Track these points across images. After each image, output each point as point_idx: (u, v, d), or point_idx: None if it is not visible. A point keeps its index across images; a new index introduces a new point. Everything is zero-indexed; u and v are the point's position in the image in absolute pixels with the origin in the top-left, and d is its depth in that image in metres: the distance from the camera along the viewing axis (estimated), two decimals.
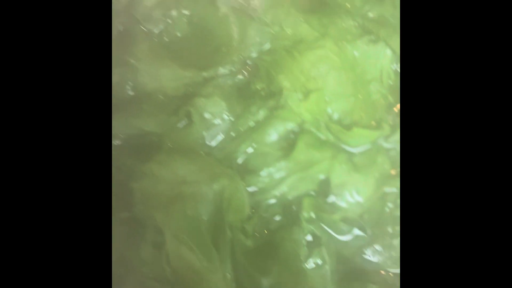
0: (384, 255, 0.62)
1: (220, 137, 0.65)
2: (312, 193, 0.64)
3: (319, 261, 0.60)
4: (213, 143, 0.65)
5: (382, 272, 0.63)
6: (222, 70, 0.67)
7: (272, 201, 0.63)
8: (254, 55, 0.68)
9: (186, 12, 0.69)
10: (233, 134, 0.65)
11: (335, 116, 0.66)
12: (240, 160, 0.65)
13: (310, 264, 0.59)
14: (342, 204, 0.63)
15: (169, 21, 0.69)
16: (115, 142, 0.63)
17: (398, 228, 0.63)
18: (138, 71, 0.64)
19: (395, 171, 0.66)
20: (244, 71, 0.68)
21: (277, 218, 0.63)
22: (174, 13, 0.69)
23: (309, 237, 0.61)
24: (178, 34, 0.69)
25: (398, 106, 0.69)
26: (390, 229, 0.63)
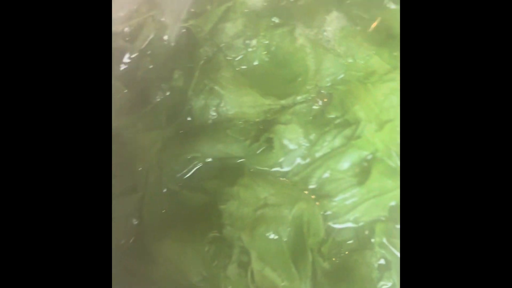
0: None
1: (297, 162, 0.67)
2: (383, 218, 0.66)
3: (390, 284, 0.61)
4: (290, 168, 0.67)
5: None
6: (299, 99, 0.69)
7: (346, 225, 0.65)
8: (328, 84, 0.70)
9: (265, 41, 0.72)
10: (309, 160, 0.67)
11: None
12: (315, 185, 0.66)
13: (382, 286, 0.61)
14: None
15: (250, 49, 0.71)
16: (200, 164, 0.65)
17: None
18: (221, 98, 0.67)
19: None
20: (319, 100, 0.70)
21: (350, 241, 0.64)
22: (254, 42, 0.71)
23: (381, 261, 0.63)
24: (257, 63, 0.72)
25: None
26: None
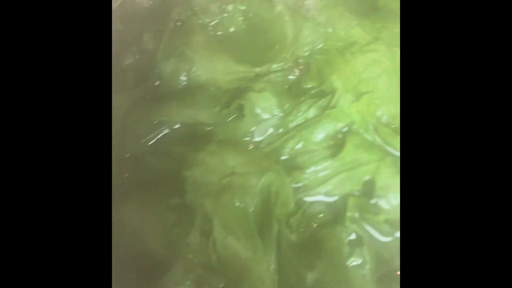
0: None
1: (269, 132, 0.65)
2: (357, 193, 0.64)
3: (360, 260, 0.59)
4: (262, 138, 0.65)
5: None
6: (274, 67, 0.68)
7: (317, 198, 0.63)
8: (306, 54, 0.70)
9: (242, 7, 0.71)
10: (282, 130, 0.65)
11: (384, 119, 0.66)
12: (287, 156, 0.65)
13: (352, 262, 0.59)
14: (386, 206, 0.63)
15: (225, 15, 0.70)
16: (167, 129, 0.64)
17: None
18: (193, 62, 0.65)
19: None
20: (296, 69, 0.69)
21: (321, 215, 0.63)
22: (230, 7, 0.70)
23: (352, 236, 0.61)
24: (233, 29, 0.71)
25: None
26: None
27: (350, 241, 0.62)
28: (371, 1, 0.74)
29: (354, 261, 0.60)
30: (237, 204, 0.59)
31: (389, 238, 0.63)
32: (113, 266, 0.56)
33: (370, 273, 0.60)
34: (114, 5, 0.67)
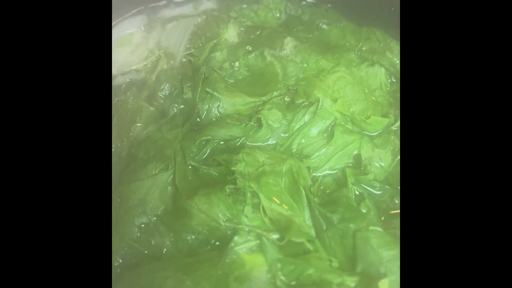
0: None
1: (281, 135, 0.82)
2: (350, 164, 0.80)
3: (366, 209, 0.73)
4: (276, 141, 0.82)
5: None
6: (275, 94, 0.84)
7: (325, 173, 0.80)
8: (293, 82, 0.87)
9: (244, 62, 0.89)
10: (288, 133, 0.82)
11: (356, 113, 0.83)
12: (296, 150, 0.81)
13: (362, 210, 0.73)
14: (372, 169, 0.79)
15: (236, 68, 0.88)
16: (212, 146, 0.79)
17: None
18: (220, 101, 0.82)
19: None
20: (289, 93, 0.86)
21: (330, 184, 0.78)
22: (237, 63, 0.89)
23: (356, 192, 0.76)
24: (241, 77, 0.89)
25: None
26: None
27: (356, 196, 0.76)
28: (326, 43, 0.92)
29: (363, 208, 0.73)
30: (272, 182, 0.72)
31: (381, 192, 0.79)
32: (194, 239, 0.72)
33: (375, 215, 0.73)
34: (159, 74, 0.89)
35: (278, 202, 0.71)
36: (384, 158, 0.81)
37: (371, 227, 0.68)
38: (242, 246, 0.68)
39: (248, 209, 0.71)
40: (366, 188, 0.78)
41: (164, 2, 0.98)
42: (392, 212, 0.77)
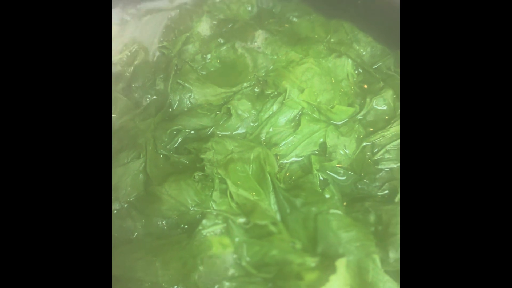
0: (370, 185, 0.80)
1: (250, 125, 0.84)
2: (316, 152, 0.82)
3: (330, 194, 0.75)
4: (246, 130, 0.84)
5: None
6: (245, 85, 0.86)
7: (292, 160, 0.82)
8: (263, 74, 0.89)
9: (216, 54, 0.91)
10: (257, 122, 0.84)
11: (322, 102, 0.85)
12: (265, 138, 0.83)
13: (326, 195, 0.74)
14: (337, 156, 0.81)
15: (208, 60, 0.90)
16: (186, 134, 0.81)
17: (378, 167, 0.82)
18: (191, 92, 0.84)
19: (368, 132, 0.85)
20: (259, 84, 0.88)
21: (297, 170, 0.80)
22: (209, 56, 0.91)
23: (321, 178, 0.78)
24: (213, 68, 0.91)
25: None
26: (372, 169, 0.81)
27: (320, 182, 0.78)
28: (296, 35, 0.94)
29: (326, 194, 0.75)
30: (240, 169, 0.75)
31: (345, 177, 0.81)
32: (164, 224, 0.75)
33: (338, 200, 0.75)
34: (133, 66, 0.91)
35: (245, 188, 0.73)
36: (348, 146, 0.83)
37: (332, 210, 0.70)
38: (210, 229, 0.70)
39: (216, 195, 0.73)
40: (330, 174, 0.81)
41: None
42: (355, 196, 0.80)
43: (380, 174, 0.80)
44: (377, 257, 0.65)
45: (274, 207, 0.73)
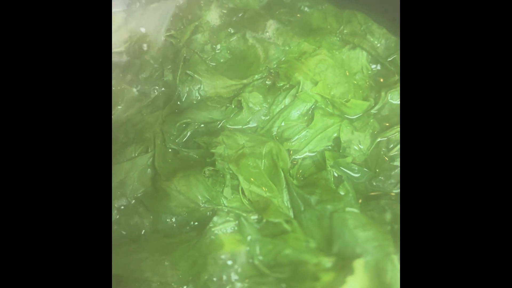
0: (386, 182, 0.76)
1: (261, 118, 0.80)
2: (330, 147, 0.78)
3: (344, 191, 0.72)
4: (257, 124, 0.80)
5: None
6: (256, 77, 0.83)
7: (304, 155, 0.78)
8: (275, 65, 0.85)
9: (226, 45, 0.87)
10: (269, 116, 0.80)
11: (336, 96, 0.81)
12: (276, 133, 0.79)
13: (341, 192, 0.71)
14: (351, 152, 0.78)
15: (217, 51, 0.86)
16: (195, 127, 0.78)
17: (393, 163, 0.77)
18: (201, 83, 0.80)
19: (383, 127, 0.81)
20: (270, 76, 0.84)
21: (310, 166, 0.77)
22: (219, 46, 0.87)
23: (335, 175, 0.75)
24: (223, 60, 0.87)
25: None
26: (387, 165, 0.77)
27: (334, 179, 0.75)
28: (308, 26, 0.90)
29: (341, 190, 0.72)
30: (252, 164, 0.71)
31: (359, 174, 0.77)
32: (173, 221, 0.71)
33: (353, 198, 0.72)
34: (140, 57, 0.85)
35: (257, 184, 0.69)
36: (363, 141, 0.79)
37: (348, 209, 0.67)
38: (221, 227, 0.67)
39: (227, 191, 0.70)
40: (344, 171, 0.77)
41: None
42: (370, 194, 0.76)
43: (396, 171, 0.76)
44: (395, 258, 0.61)
45: (287, 203, 0.70)
